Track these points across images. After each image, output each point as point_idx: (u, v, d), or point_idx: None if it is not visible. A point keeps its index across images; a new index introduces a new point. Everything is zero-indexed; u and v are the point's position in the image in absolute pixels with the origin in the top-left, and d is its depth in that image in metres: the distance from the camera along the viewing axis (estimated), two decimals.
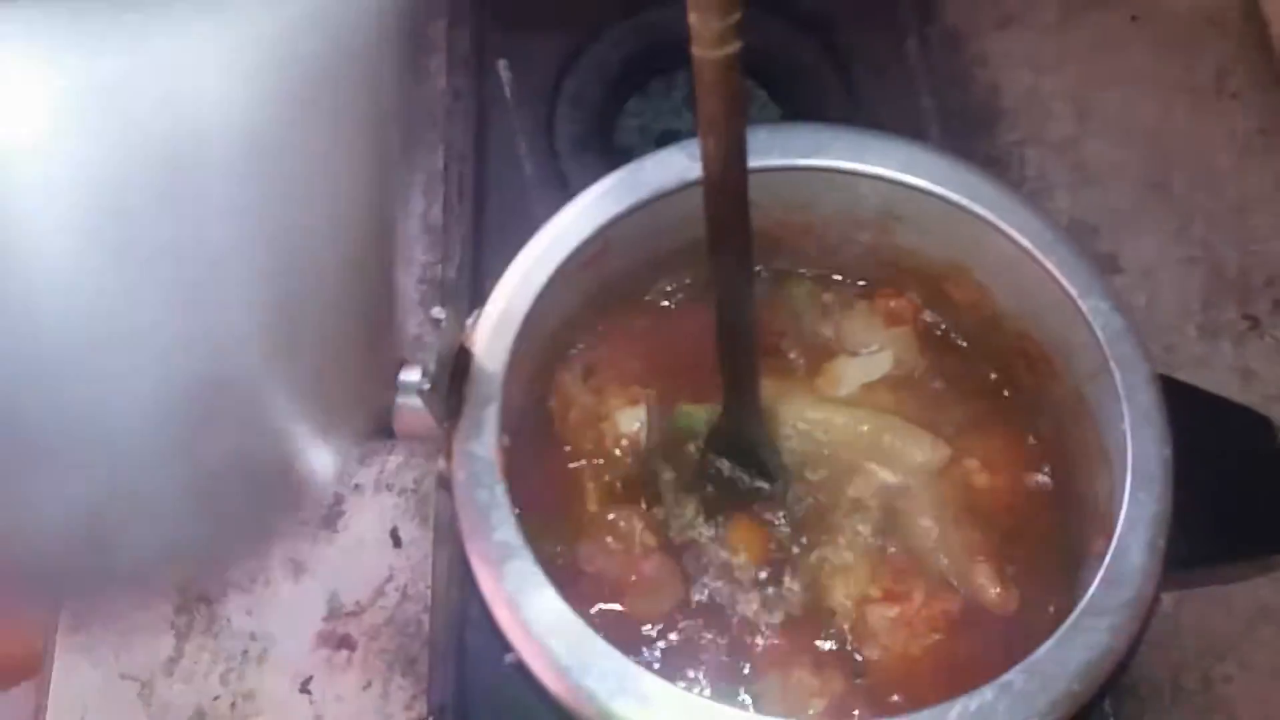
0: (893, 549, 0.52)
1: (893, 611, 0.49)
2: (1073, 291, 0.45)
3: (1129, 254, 0.67)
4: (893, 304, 0.57)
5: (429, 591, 0.62)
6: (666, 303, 0.59)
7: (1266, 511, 0.44)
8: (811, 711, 0.48)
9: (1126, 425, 0.42)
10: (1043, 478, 0.53)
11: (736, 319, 0.50)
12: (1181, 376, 0.47)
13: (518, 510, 0.44)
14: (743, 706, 0.48)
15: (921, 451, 0.53)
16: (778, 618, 0.51)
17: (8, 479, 0.24)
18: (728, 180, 0.44)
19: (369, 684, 0.61)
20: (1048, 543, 0.51)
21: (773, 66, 0.74)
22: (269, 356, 0.26)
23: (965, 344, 0.56)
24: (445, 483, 0.45)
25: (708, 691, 0.49)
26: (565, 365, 0.55)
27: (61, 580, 0.27)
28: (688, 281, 0.58)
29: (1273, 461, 0.44)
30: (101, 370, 0.23)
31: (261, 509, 0.30)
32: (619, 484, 0.54)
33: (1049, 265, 0.45)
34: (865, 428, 0.54)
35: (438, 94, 0.75)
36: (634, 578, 0.51)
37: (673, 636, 0.50)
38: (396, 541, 0.64)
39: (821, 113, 0.72)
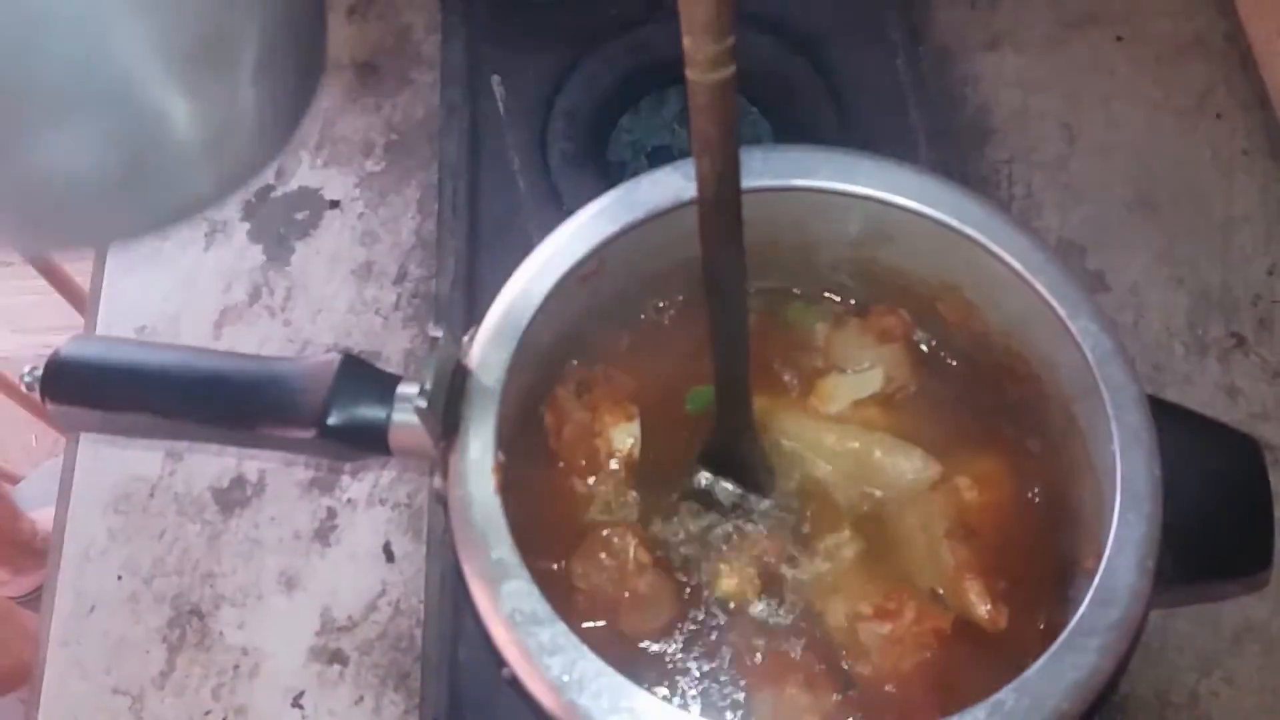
0: (884, 566, 0.52)
1: (884, 628, 0.50)
2: (1062, 312, 0.45)
3: (1116, 272, 0.68)
4: (884, 322, 0.57)
5: (422, 606, 0.62)
6: (660, 319, 0.59)
7: (1253, 530, 0.44)
8: None
9: (1116, 446, 0.42)
10: (1032, 494, 0.53)
11: (730, 337, 0.50)
12: (1168, 394, 0.47)
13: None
14: None
15: (913, 468, 0.54)
16: (770, 634, 0.52)
17: (38, 132, 0.27)
18: (722, 200, 0.45)
19: (361, 699, 0.61)
20: (1037, 559, 0.52)
21: (764, 84, 0.75)
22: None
23: (955, 362, 0.56)
24: (441, 500, 0.45)
25: (700, 708, 0.49)
26: (560, 381, 0.56)
27: (108, 217, 0.31)
28: (680, 298, 0.59)
29: (1259, 481, 0.45)
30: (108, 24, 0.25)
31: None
32: (612, 500, 0.55)
33: (1038, 286, 0.46)
34: (856, 444, 0.55)
35: (432, 109, 0.76)
36: (627, 594, 0.52)
37: (666, 653, 0.51)
38: (389, 556, 0.64)
39: (812, 129, 0.73)
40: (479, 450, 0.44)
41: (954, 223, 0.48)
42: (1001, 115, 0.73)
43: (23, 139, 0.27)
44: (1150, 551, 0.40)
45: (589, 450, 0.55)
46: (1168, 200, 0.70)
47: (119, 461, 0.67)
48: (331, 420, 0.45)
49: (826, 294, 0.58)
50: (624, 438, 0.55)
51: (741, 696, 0.50)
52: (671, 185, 0.49)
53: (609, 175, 0.75)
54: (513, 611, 0.41)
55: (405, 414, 0.45)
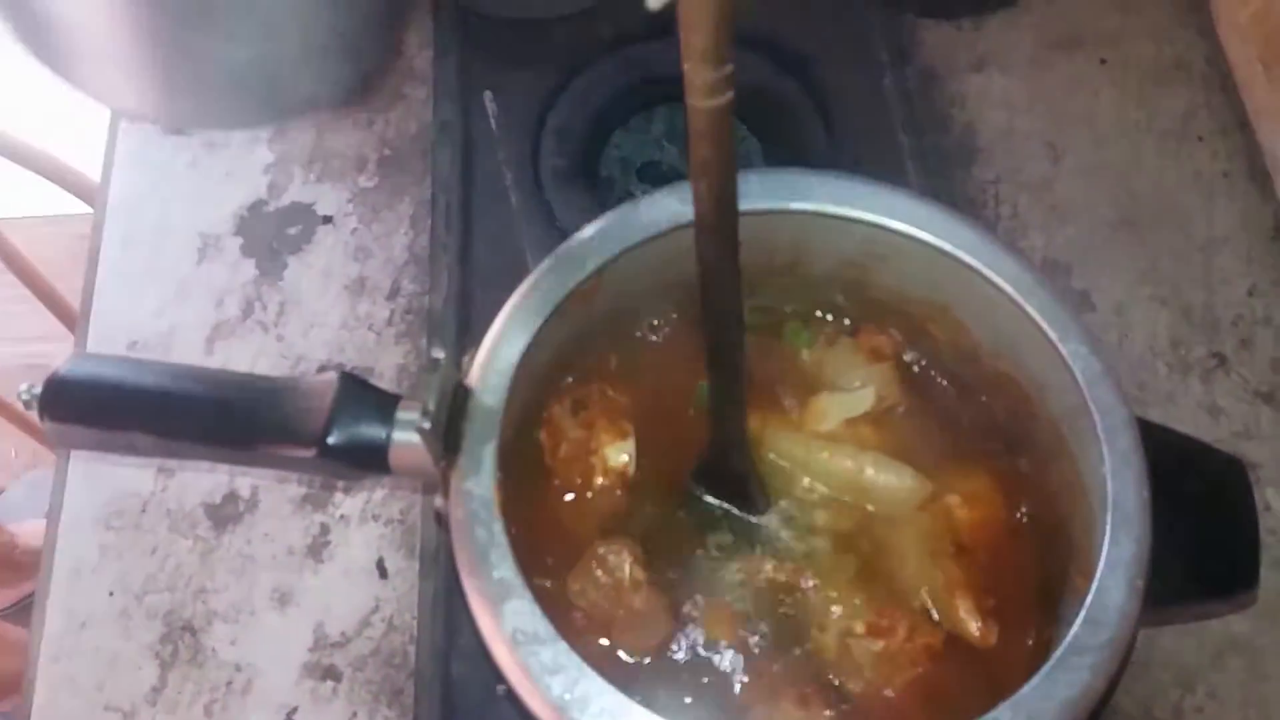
0: (876, 583, 0.53)
1: (877, 645, 0.50)
2: (1053, 335, 0.46)
3: (1100, 292, 0.69)
4: (875, 341, 0.58)
5: (415, 622, 0.63)
6: (654, 337, 0.60)
7: (1238, 550, 0.45)
8: None
9: (1106, 468, 0.43)
10: (1021, 513, 0.54)
11: (725, 356, 0.51)
12: (1152, 413, 0.48)
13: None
14: None
15: (904, 486, 0.55)
16: (763, 651, 0.52)
17: (212, 31, 0.36)
18: (719, 223, 0.45)
19: (354, 715, 0.61)
20: (1026, 576, 0.52)
21: (754, 103, 0.76)
22: None
23: (946, 382, 0.57)
24: (443, 520, 0.46)
25: None
26: (555, 399, 0.56)
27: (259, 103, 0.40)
28: (674, 316, 0.59)
29: (1244, 501, 0.46)
30: None
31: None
32: (608, 518, 0.55)
33: (1029, 309, 0.47)
34: (849, 463, 0.55)
35: (425, 125, 0.76)
36: (623, 612, 0.52)
37: (660, 670, 0.51)
38: (383, 572, 0.64)
39: (801, 148, 0.74)
40: (480, 470, 0.45)
41: (947, 246, 0.48)
42: (988, 136, 0.75)
43: (201, 37, 0.36)
44: (1140, 572, 0.41)
45: (584, 468, 0.55)
46: (1151, 221, 0.71)
47: (110, 477, 0.67)
48: (332, 440, 0.46)
49: (818, 313, 0.59)
50: (619, 455, 0.55)
51: (736, 714, 0.51)
52: (669, 207, 0.50)
53: (600, 191, 0.76)
54: (514, 631, 0.42)
55: (406, 434, 0.46)
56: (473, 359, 0.49)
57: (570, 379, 0.57)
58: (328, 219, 0.74)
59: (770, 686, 0.51)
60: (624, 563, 0.53)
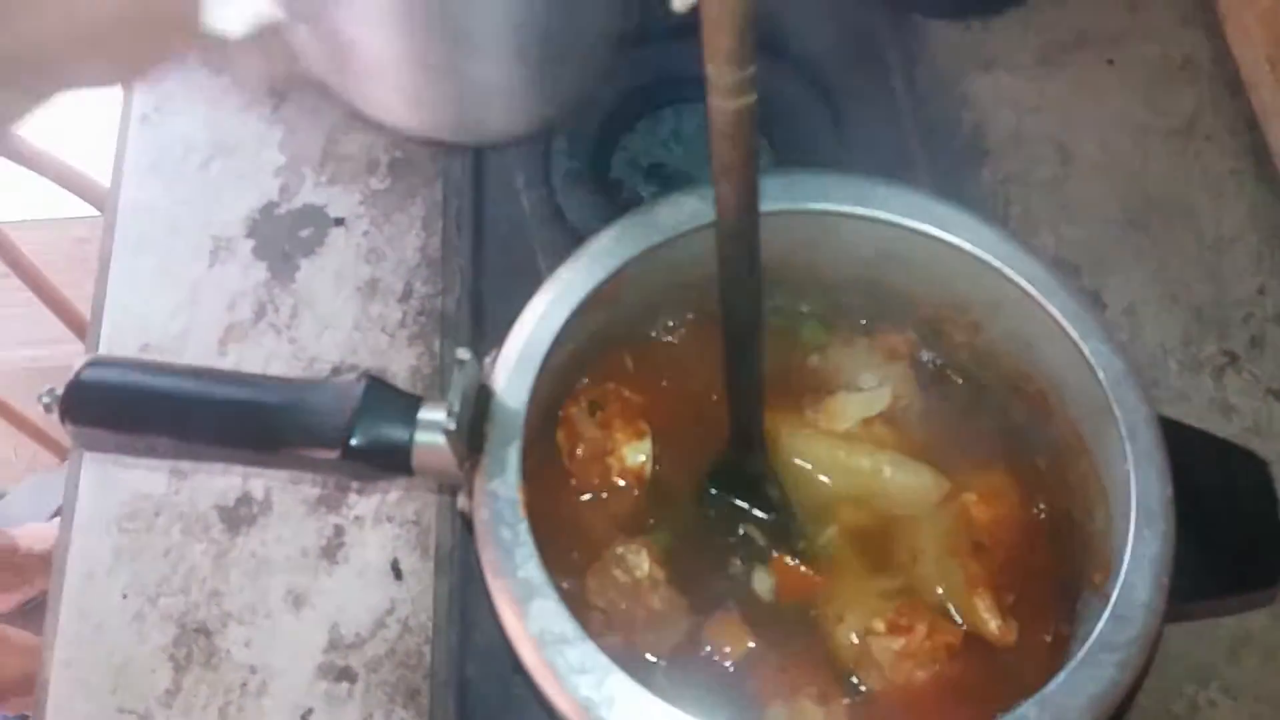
0: (894, 581, 0.53)
1: (897, 644, 0.51)
2: (1075, 335, 0.46)
3: (1111, 291, 0.69)
4: (890, 340, 0.58)
5: (430, 623, 0.63)
6: (670, 338, 0.60)
7: (1261, 547, 0.45)
8: None
9: (1130, 465, 0.43)
10: (1038, 510, 0.55)
11: (744, 356, 0.51)
12: (1164, 410, 0.48)
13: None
14: None
15: (922, 485, 0.55)
16: (782, 649, 0.52)
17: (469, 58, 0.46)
18: (741, 224, 0.45)
19: (370, 717, 0.61)
20: (1044, 574, 0.53)
21: (764, 103, 0.76)
22: None
23: (962, 381, 0.58)
24: (467, 521, 0.46)
25: None
26: (573, 400, 0.56)
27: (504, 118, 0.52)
28: (690, 317, 0.60)
29: (1266, 498, 0.46)
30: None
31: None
32: (626, 517, 0.55)
33: (1051, 309, 0.47)
34: (866, 461, 0.56)
35: None
36: (642, 611, 0.52)
37: (680, 669, 0.51)
38: (397, 573, 0.64)
39: (811, 148, 0.74)
40: (505, 471, 0.45)
41: (967, 246, 0.49)
42: (996, 136, 0.75)
43: (460, 62, 0.46)
44: (1165, 569, 0.41)
45: (601, 468, 0.55)
46: (1160, 220, 0.72)
47: (123, 480, 0.67)
48: (355, 441, 0.46)
49: (834, 312, 0.59)
50: (636, 455, 0.56)
51: (755, 711, 0.51)
52: (688, 208, 0.50)
53: (609, 193, 0.76)
54: (541, 631, 0.42)
55: (429, 435, 0.46)
56: (495, 360, 0.49)
57: (586, 379, 0.57)
58: (340, 221, 0.74)
59: (790, 684, 0.51)
60: (643, 562, 0.53)
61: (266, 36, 0.46)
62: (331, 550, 0.65)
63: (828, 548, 0.55)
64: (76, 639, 0.63)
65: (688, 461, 0.56)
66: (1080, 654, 0.40)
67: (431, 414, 0.46)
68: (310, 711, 0.61)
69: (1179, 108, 0.75)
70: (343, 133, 0.76)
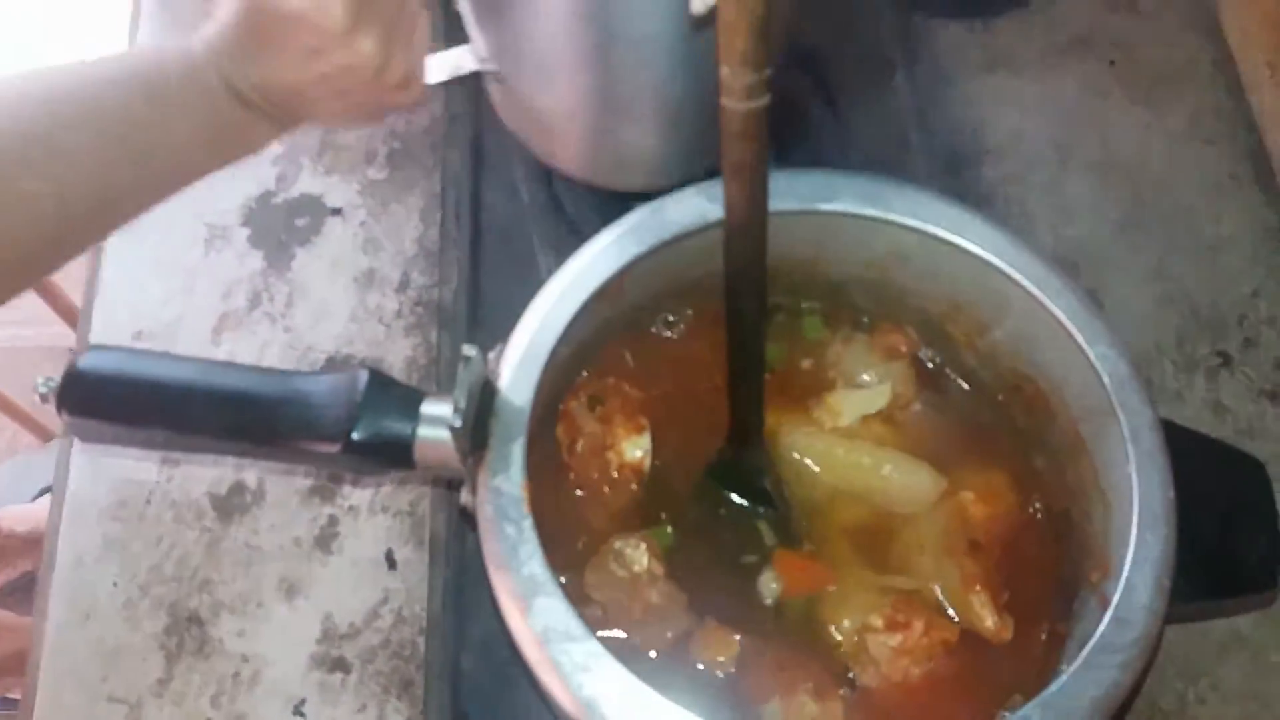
0: (892, 578, 0.54)
1: (894, 640, 0.51)
2: (1080, 338, 0.47)
3: (1108, 291, 0.69)
4: (890, 339, 0.58)
5: (424, 614, 0.62)
6: (670, 333, 0.60)
7: (1260, 549, 0.46)
8: None
9: (1132, 468, 0.43)
10: (1034, 509, 0.55)
11: (747, 353, 0.51)
12: (1159, 411, 0.49)
13: None
14: None
15: (920, 483, 0.55)
16: (778, 645, 0.52)
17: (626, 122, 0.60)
18: (750, 224, 0.45)
19: (364, 707, 0.61)
20: (1040, 572, 0.53)
21: None
22: None
23: (962, 380, 0.58)
24: (469, 517, 0.46)
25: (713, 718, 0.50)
26: (572, 394, 0.56)
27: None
28: (690, 313, 0.60)
29: (1264, 500, 0.47)
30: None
31: None
32: (625, 512, 0.55)
33: (1056, 311, 0.47)
34: (865, 459, 0.56)
35: (435, 117, 0.76)
36: (640, 606, 0.52)
37: (678, 664, 0.51)
38: (391, 564, 0.64)
39: (814, 147, 0.74)
40: (509, 467, 0.45)
41: (974, 248, 0.49)
42: (997, 136, 0.75)
43: (623, 129, 0.60)
44: (1166, 571, 0.42)
45: (601, 463, 0.55)
46: (1158, 222, 0.72)
47: (114, 467, 0.67)
48: (357, 435, 0.45)
49: (836, 310, 0.59)
50: (635, 450, 0.56)
51: (752, 706, 0.51)
52: (695, 206, 0.50)
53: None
54: (545, 629, 0.42)
55: (431, 430, 0.45)
56: (499, 355, 0.48)
57: (585, 374, 0.57)
58: (336, 211, 0.73)
59: (787, 680, 0.51)
60: (641, 557, 0.53)
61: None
62: (325, 540, 0.65)
63: (825, 544, 0.55)
64: (66, 627, 0.63)
65: (687, 457, 0.57)
66: (1081, 656, 0.41)
67: (435, 409, 0.46)
68: (303, 702, 0.61)
69: (1179, 110, 0.75)
70: None
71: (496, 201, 0.73)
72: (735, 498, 0.56)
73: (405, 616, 0.63)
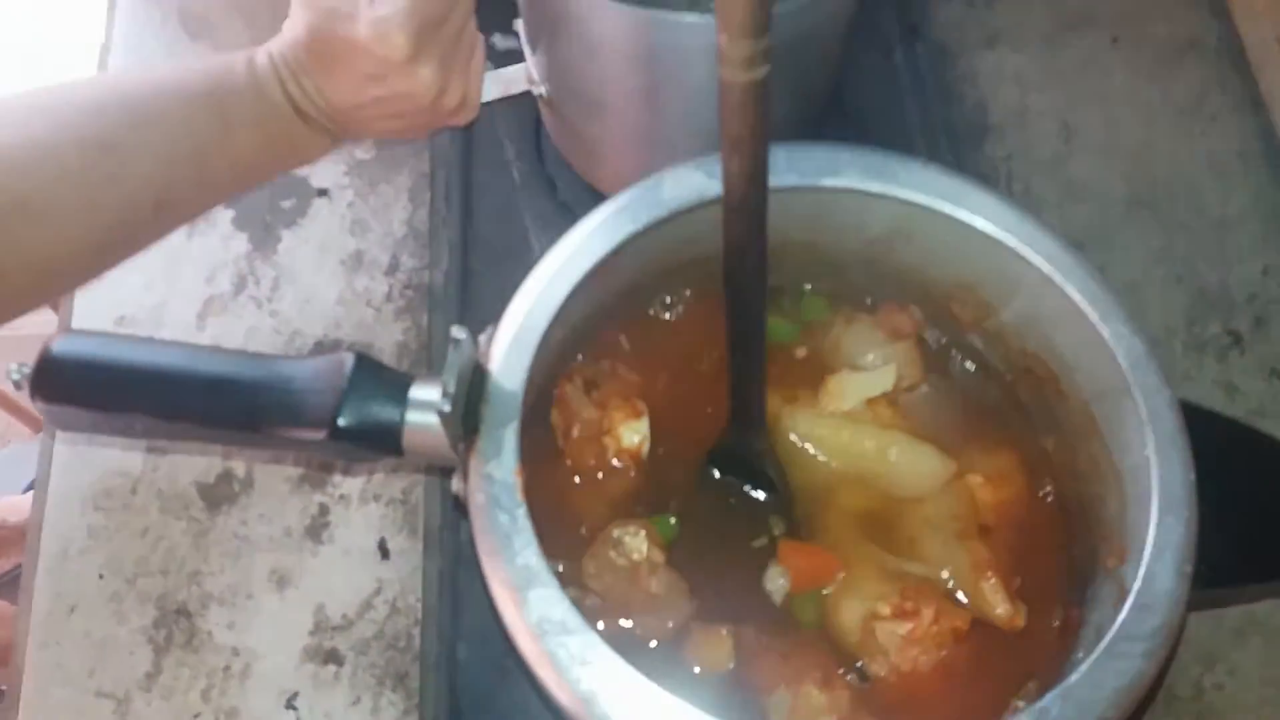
0: (900, 565, 0.52)
1: (903, 629, 0.49)
2: (1094, 316, 0.45)
3: (1115, 270, 0.68)
4: (895, 319, 0.57)
5: (419, 604, 0.61)
6: (667, 315, 0.58)
7: None
8: None
9: (1151, 451, 0.42)
10: (1044, 493, 0.53)
11: (747, 335, 0.49)
12: None
13: None
14: None
15: (928, 467, 0.54)
16: (784, 634, 0.51)
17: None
18: (749, 200, 0.44)
19: (358, 700, 0.59)
20: (1051, 557, 0.52)
21: None
22: None
23: (967, 360, 0.56)
24: (461, 505, 0.44)
25: (716, 709, 0.49)
26: (567, 378, 0.55)
27: None
28: (688, 294, 0.58)
29: None
30: None
31: None
32: (623, 499, 0.54)
33: (1069, 290, 0.46)
34: (870, 443, 0.54)
35: None
36: (640, 595, 0.51)
37: (680, 653, 0.50)
38: (385, 553, 0.63)
39: (811, 121, 0.72)
40: (501, 453, 0.43)
41: (982, 224, 0.47)
42: (1000, 113, 0.73)
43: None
44: (1188, 556, 0.40)
45: (598, 448, 0.54)
46: (1165, 200, 0.71)
47: (99, 456, 0.65)
48: (343, 421, 0.44)
49: (838, 290, 0.58)
50: (633, 435, 0.54)
51: (758, 696, 0.50)
52: (693, 183, 0.48)
53: None
54: (540, 620, 0.40)
55: (420, 415, 0.44)
56: (490, 338, 0.47)
57: (580, 357, 0.56)
58: (323, 192, 0.72)
59: (794, 669, 0.50)
60: (641, 544, 0.51)
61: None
62: (316, 529, 0.63)
63: (830, 530, 0.53)
64: (51, 620, 0.61)
65: (686, 442, 0.55)
66: (1102, 645, 0.39)
67: (424, 393, 0.44)
68: (296, 695, 0.59)
69: (1185, 87, 0.74)
70: None
71: (487, 182, 0.71)
72: (738, 484, 0.54)
73: (399, 607, 0.61)
